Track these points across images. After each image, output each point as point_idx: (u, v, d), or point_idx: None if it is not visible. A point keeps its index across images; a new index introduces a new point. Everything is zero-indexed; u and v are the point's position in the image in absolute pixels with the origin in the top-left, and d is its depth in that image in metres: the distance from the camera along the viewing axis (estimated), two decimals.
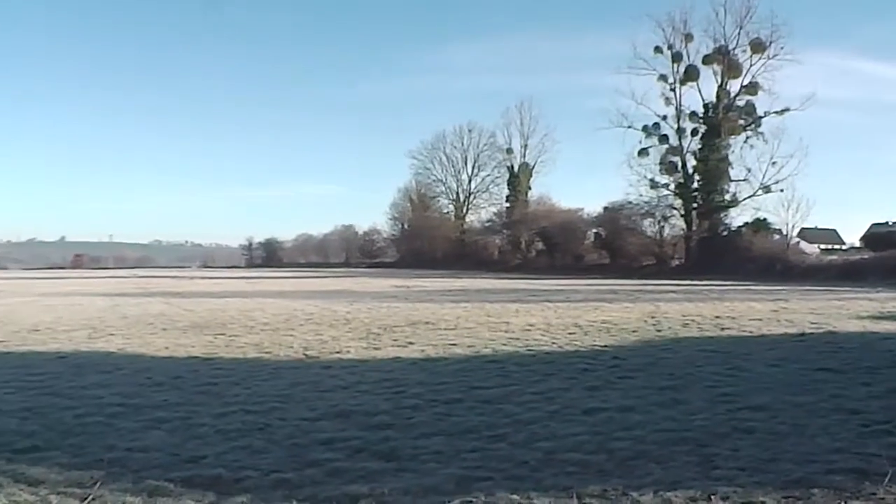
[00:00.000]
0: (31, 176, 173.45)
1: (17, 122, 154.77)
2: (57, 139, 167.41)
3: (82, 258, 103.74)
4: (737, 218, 62.62)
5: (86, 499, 5.23)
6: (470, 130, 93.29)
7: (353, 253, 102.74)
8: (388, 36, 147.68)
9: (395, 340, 14.86)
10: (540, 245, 78.23)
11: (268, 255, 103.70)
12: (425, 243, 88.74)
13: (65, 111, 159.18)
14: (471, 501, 5.27)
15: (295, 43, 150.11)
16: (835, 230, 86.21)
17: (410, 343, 14.41)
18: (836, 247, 77.74)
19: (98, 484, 5.53)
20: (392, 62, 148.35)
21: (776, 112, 60.11)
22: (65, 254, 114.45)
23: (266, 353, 13.24)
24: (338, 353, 13.20)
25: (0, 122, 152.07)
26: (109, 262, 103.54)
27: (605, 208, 69.95)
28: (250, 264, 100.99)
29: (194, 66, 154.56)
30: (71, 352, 13.34)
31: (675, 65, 63.62)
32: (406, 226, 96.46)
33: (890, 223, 72.23)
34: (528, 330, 16.52)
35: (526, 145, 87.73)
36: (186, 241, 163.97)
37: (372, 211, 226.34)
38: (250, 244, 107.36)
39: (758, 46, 59.67)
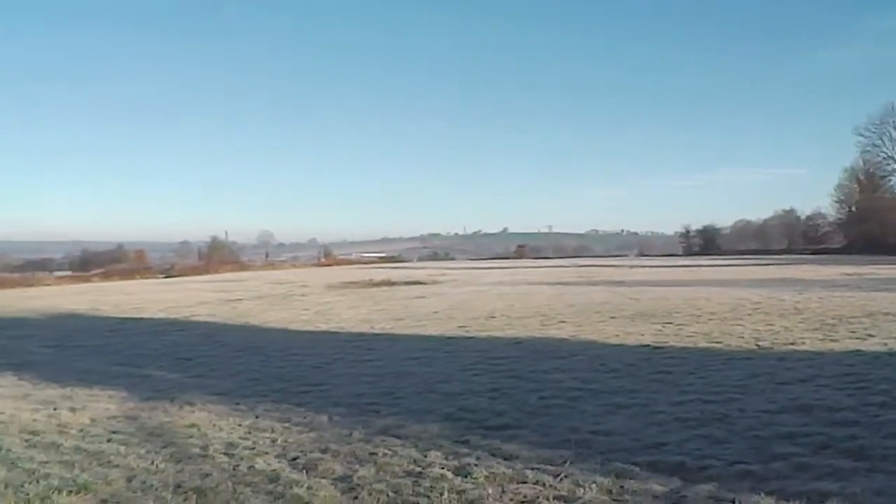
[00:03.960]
0: (476, 174, 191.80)
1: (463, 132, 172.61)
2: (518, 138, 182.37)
3: (524, 248, 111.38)
4: None
5: (558, 475, 5.76)
6: None
7: (795, 239, 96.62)
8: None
9: (852, 332, 14.01)
10: None
11: (705, 243, 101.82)
12: (876, 227, 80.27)
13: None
14: None
15: (729, 18, 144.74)
16: None
17: (870, 335, 13.50)
18: None
19: (567, 463, 6.06)
20: (841, 28, 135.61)
21: None
22: (507, 244, 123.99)
23: (716, 342, 13.28)
24: (791, 344, 12.81)
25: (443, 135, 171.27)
26: (549, 251, 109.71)
27: None
28: (687, 252, 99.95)
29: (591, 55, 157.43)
30: (527, 338, 14.64)
31: None
32: (853, 209, 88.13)
33: None
34: None
35: None
36: (622, 230, 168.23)
37: (815, 193, 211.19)
38: (687, 231, 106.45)
39: None
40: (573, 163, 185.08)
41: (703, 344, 13.19)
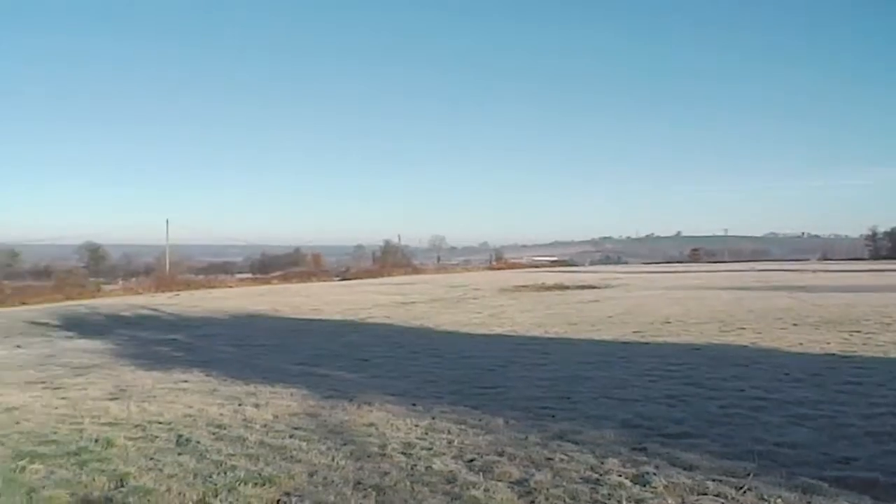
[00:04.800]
0: (648, 176, 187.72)
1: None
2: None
3: (698, 252, 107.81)
4: None
5: (741, 488, 5.53)
6: None
7: None
8: None
9: None
10: None
11: (894, 246, 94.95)
12: None
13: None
14: None
15: None
16: None
17: None
18: None
19: (751, 475, 5.81)
20: None
21: None
22: (680, 248, 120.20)
23: None
24: None
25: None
26: (724, 255, 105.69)
27: None
28: (874, 256, 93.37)
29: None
30: (704, 344, 14.21)
31: None
32: None
33: None
34: None
35: None
36: (803, 233, 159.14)
37: None
38: (874, 234, 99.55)
39: None
40: (749, 162, 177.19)
41: (894, 354, 12.40)
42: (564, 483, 5.81)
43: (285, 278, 60.89)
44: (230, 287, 51.67)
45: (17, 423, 8.69)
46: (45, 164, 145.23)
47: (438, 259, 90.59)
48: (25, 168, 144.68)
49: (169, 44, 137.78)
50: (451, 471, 6.20)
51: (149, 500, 5.68)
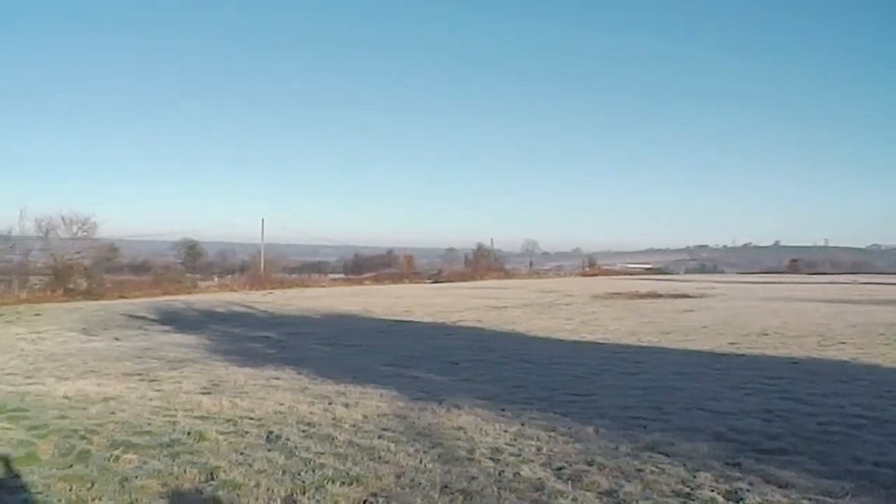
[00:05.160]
0: (746, 184, 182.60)
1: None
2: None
3: (797, 262, 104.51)
4: None
5: None
6: None
7: None
8: None
9: None
10: None
11: None
12: None
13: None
14: None
15: None
16: None
17: None
18: None
19: (848, 496, 5.65)
20: None
21: None
22: (779, 258, 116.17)
23: None
24: None
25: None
26: (825, 266, 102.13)
27: None
28: None
29: None
30: (803, 358, 13.78)
31: None
32: None
33: None
34: None
35: None
36: None
37: None
38: None
39: None
40: (852, 170, 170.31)
41: None
42: (654, 496, 5.76)
43: (377, 279, 61.06)
44: (323, 287, 52.15)
45: (113, 413, 9.09)
46: (145, 163, 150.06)
47: (531, 264, 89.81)
48: (126, 166, 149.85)
49: (263, 46, 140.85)
50: (539, 478, 6.20)
51: (238, 495, 5.86)
